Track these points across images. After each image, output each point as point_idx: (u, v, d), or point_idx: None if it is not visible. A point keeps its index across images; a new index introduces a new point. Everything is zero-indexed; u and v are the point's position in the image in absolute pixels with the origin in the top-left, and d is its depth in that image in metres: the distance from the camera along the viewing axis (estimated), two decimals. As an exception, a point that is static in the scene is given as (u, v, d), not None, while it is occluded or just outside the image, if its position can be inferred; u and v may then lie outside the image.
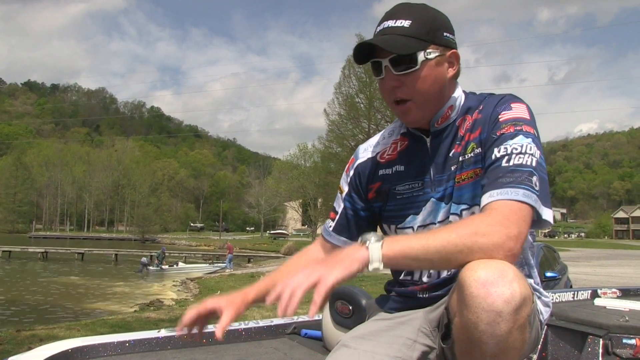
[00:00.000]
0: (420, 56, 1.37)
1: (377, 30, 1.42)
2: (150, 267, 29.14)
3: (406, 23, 1.37)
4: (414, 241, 1.20)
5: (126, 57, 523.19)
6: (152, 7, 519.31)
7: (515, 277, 1.10)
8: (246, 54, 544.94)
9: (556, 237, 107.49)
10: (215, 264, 31.97)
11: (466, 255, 1.16)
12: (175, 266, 30.68)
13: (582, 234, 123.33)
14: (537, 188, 1.26)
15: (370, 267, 1.18)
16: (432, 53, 1.39)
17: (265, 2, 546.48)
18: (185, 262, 34.14)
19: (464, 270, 1.14)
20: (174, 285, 22.32)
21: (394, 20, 1.39)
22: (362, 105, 39.33)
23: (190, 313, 1.35)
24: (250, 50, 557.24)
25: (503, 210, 1.21)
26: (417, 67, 1.37)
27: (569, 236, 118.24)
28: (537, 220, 1.27)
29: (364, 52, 1.42)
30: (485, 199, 1.27)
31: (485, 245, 1.15)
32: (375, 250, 1.19)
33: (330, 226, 1.65)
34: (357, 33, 41.53)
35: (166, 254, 31.98)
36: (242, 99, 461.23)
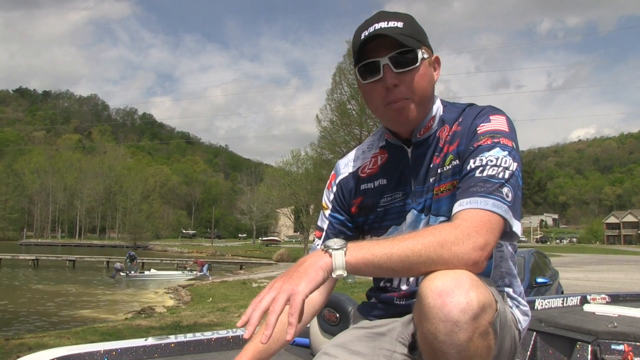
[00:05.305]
0: (419, 54, 1.37)
1: (367, 33, 1.38)
2: (122, 273, 29.14)
3: (399, 24, 1.37)
4: (378, 248, 1.18)
5: (118, 64, 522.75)
6: (145, 14, 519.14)
7: (473, 285, 1.09)
8: (239, 61, 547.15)
9: (548, 243, 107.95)
10: (191, 272, 31.27)
11: (429, 266, 1.15)
12: (146, 272, 30.67)
13: (574, 240, 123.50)
14: (508, 199, 1.25)
15: (334, 274, 1.17)
16: (425, 53, 1.39)
17: (258, 8, 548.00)
18: (157, 269, 34.08)
19: (423, 280, 1.14)
20: (165, 292, 22.24)
21: (386, 22, 1.37)
22: (353, 112, 39.21)
23: None
24: (244, 56, 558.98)
25: (472, 220, 1.21)
26: (418, 64, 1.37)
27: (560, 242, 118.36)
28: (507, 233, 1.26)
29: (357, 55, 1.40)
30: (456, 207, 1.27)
31: (449, 258, 1.15)
32: (338, 257, 1.17)
33: (317, 245, 1.60)
34: (348, 40, 41.46)
35: (136, 258, 32.09)
36: (237, 105, 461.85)
